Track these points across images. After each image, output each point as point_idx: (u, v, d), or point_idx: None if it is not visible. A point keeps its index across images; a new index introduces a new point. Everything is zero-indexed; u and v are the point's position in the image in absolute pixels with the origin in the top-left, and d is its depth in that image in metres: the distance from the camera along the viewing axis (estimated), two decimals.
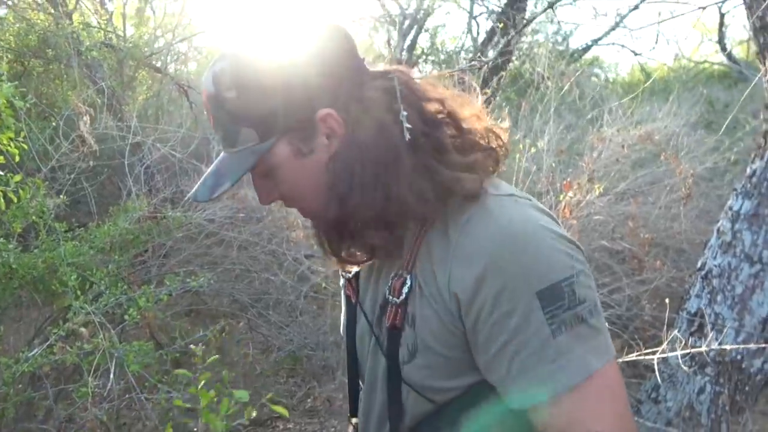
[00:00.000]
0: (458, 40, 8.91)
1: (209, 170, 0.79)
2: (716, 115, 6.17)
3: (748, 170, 2.36)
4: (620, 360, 2.05)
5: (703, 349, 1.98)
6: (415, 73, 0.81)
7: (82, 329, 1.87)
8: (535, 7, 6.66)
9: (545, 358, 0.65)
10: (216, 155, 3.66)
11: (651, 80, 4.94)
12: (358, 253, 0.81)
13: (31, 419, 2.33)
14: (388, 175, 0.72)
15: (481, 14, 7.75)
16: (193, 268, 3.16)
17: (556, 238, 0.68)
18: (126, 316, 2.07)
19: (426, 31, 8.31)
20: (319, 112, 0.74)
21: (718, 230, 2.42)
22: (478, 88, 0.83)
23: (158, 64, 5.27)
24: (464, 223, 0.70)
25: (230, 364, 3.17)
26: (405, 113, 0.73)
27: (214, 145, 3.60)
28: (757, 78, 2.37)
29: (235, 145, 0.76)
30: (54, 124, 2.73)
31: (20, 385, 2.10)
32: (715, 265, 2.37)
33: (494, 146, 0.79)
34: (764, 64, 2.27)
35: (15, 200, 1.97)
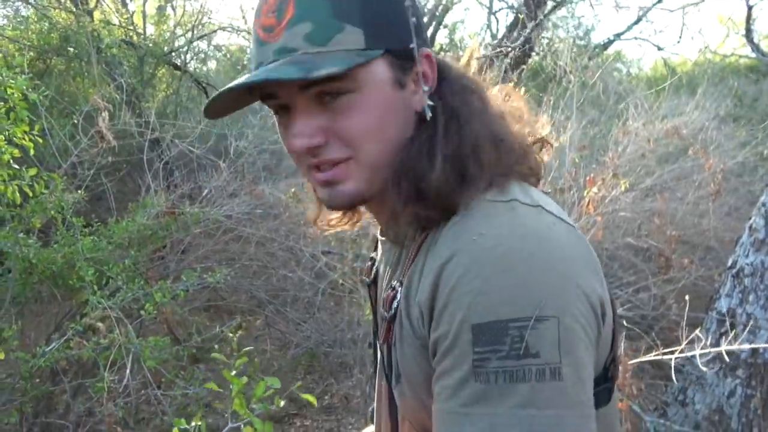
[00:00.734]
0: (477, 36, 8.83)
1: (274, 64, 0.60)
2: (745, 109, 6.00)
3: None
4: (638, 360, 1.99)
5: (729, 348, 1.90)
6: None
7: (99, 324, 1.86)
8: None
9: (457, 397, 0.53)
10: (234, 151, 3.68)
11: (677, 76, 4.80)
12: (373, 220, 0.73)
13: (51, 414, 2.35)
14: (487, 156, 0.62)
15: (500, 10, 7.65)
16: (211, 264, 3.16)
17: (542, 269, 0.53)
18: (142, 312, 2.07)
19: (445, 27, 8.26)
20: (422, 49, 0.63)
21: (750, 227, 2.34)
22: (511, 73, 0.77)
23: (178, 62, 5.30)
24: (446, 230, 0.60)
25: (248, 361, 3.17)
26: (427, 88, 0.64)
27: (231, 141, 3.59)
28: None
29: (326, 45, 0.59)
30: (74, 120, 2.75)
31: (38, 380, 2.11)
32: (747, 264, 2.29)
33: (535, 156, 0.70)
34: None
35: (30, 194, 1.98)
